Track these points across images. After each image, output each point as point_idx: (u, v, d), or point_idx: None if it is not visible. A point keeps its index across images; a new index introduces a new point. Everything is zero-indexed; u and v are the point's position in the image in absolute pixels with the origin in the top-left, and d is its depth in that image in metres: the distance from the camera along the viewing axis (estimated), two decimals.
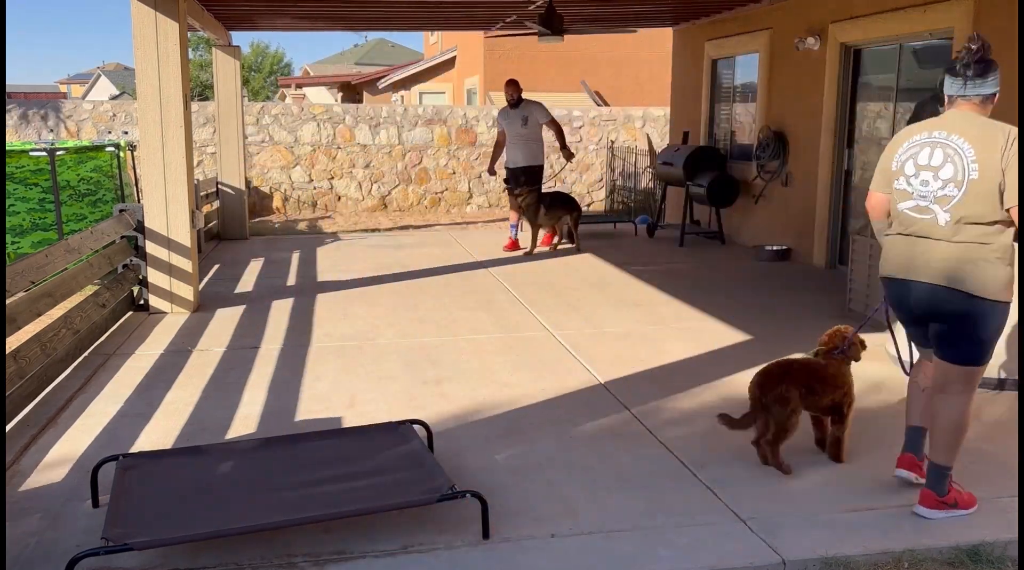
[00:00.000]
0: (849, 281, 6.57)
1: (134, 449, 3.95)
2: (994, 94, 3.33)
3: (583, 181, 15.03)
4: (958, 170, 3.17)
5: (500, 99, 19.29)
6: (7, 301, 4.37)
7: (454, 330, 6.14)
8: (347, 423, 4.30)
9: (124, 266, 6.64)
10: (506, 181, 9.89)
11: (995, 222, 3.13)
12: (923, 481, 3.37)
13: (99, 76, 52.74)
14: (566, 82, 20.19)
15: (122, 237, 6.58)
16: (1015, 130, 3.19)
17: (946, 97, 3.34)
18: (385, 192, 14.53)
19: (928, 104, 6.91)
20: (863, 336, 3.86)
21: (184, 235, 6.67)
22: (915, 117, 6.76)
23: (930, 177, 3.25)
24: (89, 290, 6.28)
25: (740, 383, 4.95)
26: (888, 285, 3.45)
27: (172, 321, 6.40)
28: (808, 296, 7.30)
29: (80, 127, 13.37)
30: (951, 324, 3.24)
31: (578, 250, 9.57)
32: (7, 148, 9.00)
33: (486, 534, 3.12)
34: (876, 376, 5.05)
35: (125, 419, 4.41)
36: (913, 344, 3.61)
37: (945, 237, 3.19)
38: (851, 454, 3.90)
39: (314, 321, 6.41)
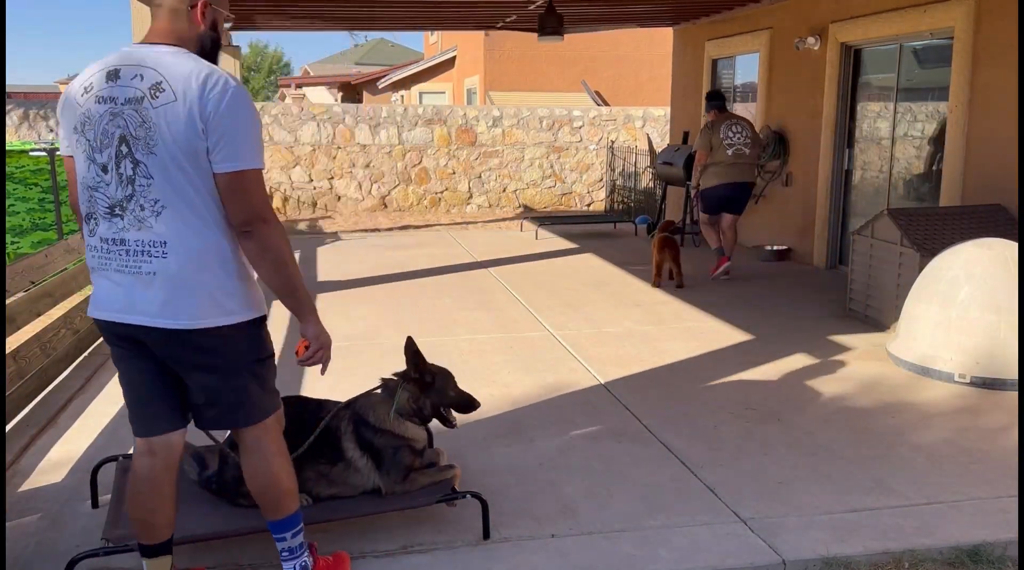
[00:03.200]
0: (849, 281, 6.57)
1: (134, 449, 3.94)
2: None
3: (583, 181, 15.03)
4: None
5: (500, 99, 19.33)
6: (7, 301, 4.37)
7: (454, 330, 6.14)
8: None
9: None
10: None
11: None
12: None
13: None
14: (566, 82, 20.19)
15: None
16: None
17: None
18: (385, 192, 14.53)
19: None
20: None
21: None
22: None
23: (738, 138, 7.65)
24: (89, 290, 6.28)
25: (740, 383, 4.95)
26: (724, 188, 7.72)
27: None
28: (808, 296, 7.30)
29: None
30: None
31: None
32: (7, 148, 9.00)
33: (486, 534, 3.11)
34: (874, 375, 5.05)
35: (125, 419, 4.37)
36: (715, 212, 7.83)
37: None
38: (850, 454, 3.90)
39: None
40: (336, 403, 3.30)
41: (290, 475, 2.67)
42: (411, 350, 3.26)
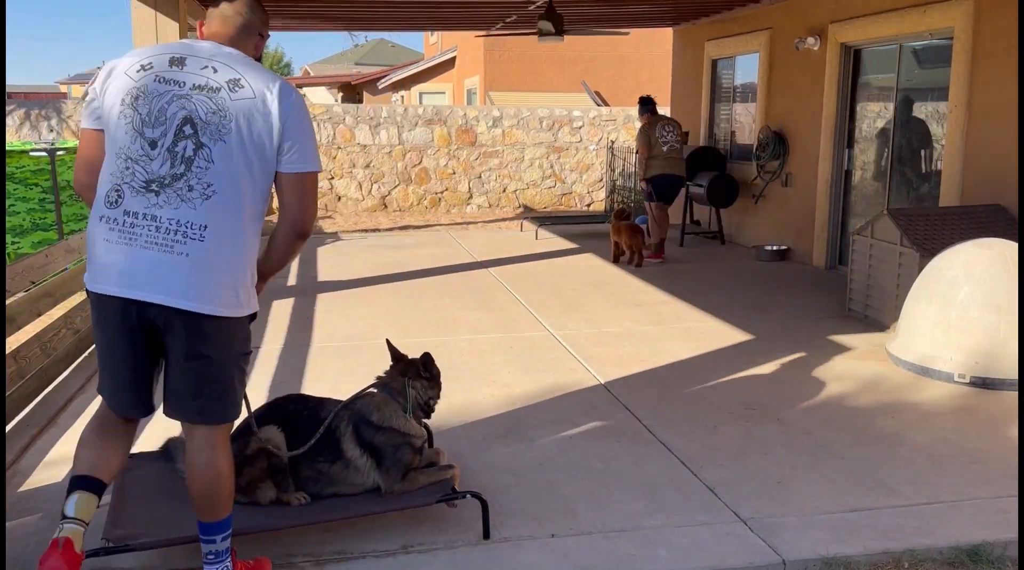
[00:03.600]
0: (849, 281, 6.57)
1: (134, 450, 3.94)
2: None
3: (583, 181, 15.02)
4: None
5: (500, 99, 19.33)
6: (7, 301, 4.37)
7: (454, 330, 6.14)
8: None
9: None
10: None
11: None
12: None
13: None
14: (566, 82, 20.19)
15: None
16: None
17: None
18: (385, 192, 14.54)
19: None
20: None
21: None
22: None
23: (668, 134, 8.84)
24: None
25: (740, 383, 4.95)
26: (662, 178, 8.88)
27: None
28: (808, 296, 7.30)
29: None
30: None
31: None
32: (7, 148, 9.00)
33: (486, 534, 3.12)
34: (874, 375, 5.05)
35: None
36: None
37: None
38: (850, 454, 3.90)
39: (314, 321, 6.41)
40: (337, 402, 3.31)
41: (232, 478, 2.67)
42: (423, 359, 3.43)
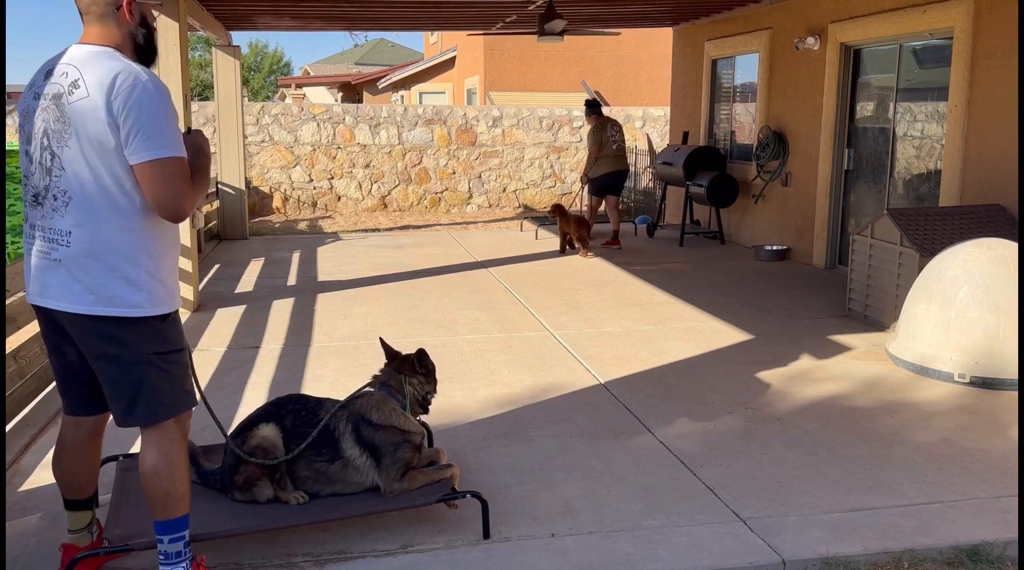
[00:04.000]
0: (849, 281, 6.57)
1: (134, 449, 3.95)
2: None
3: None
4: None
5: (500, 99, 19.33)
6: (7, 301, 4.37)
7: (454, 330, 6.14)
8: None
9: None
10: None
11: None
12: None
13: None
14: (566, 82, 20.19)
15: None
16: None
17: None
18: (385, 192, 14.54)
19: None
20: None
21: (184, 235, 6.68)
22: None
23: (616, 134, 9.76)
24: None
25: (740, 382, 4.95)
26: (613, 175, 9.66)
27: None
28: (807, 296, 7.30)
29: None
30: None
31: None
32: (7, 148, 8.99)
33: (486, 534, 3.12)
34: (874, 375, 5.06)
35: None
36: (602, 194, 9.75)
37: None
38: (850, 454, 3.90)
39: (314, 321, 6.41)
40: (336, 401, 3.31)
41: (184, 479, 2.66)
42: (418, 355, 3.44)
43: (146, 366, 2.56)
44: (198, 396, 2.78)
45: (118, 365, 2.55)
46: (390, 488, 3.19)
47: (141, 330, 2.55)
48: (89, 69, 2.46)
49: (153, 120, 2.44)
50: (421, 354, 3.43)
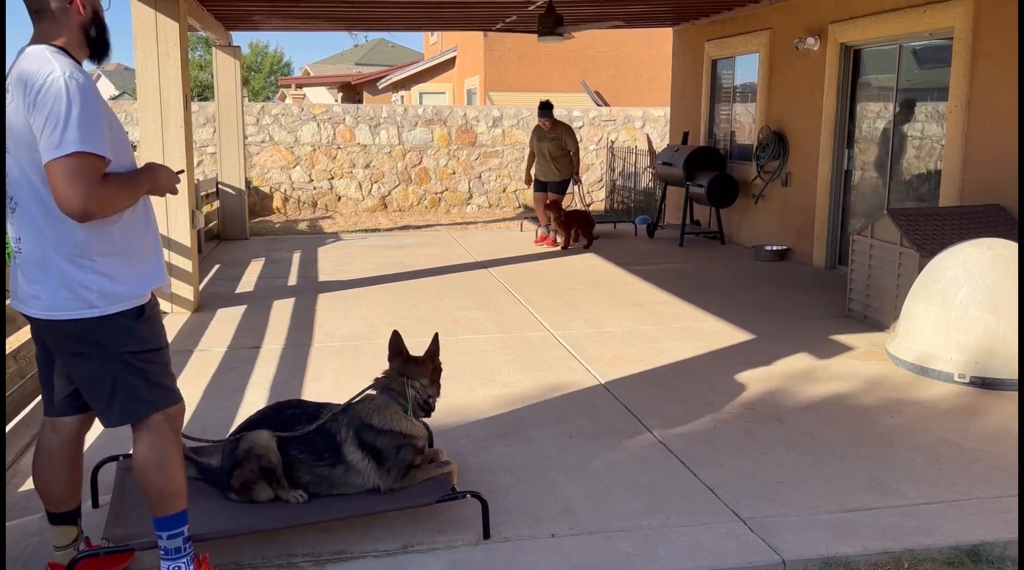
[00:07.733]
0: (849, 281, 6.57)
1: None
2: None
3: (584, 181, 15.02)
4: None
5: (500, 99, 19.33)
6: (7, 301, 4.37)
7: (454, 330, 6.14)
8: None
9: None
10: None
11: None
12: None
13: (99, 76, 52.62)
14: (566, 82, 20.18)
15: None
16: None
17: None
18: (385, 192, 14.54)
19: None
20: None
21: (184, 235, 6.68)
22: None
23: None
24: None
25: (740, 382, 4.95)
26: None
27: (173, 321, 6.40)
28: (808, 296, 7.30)
29: None
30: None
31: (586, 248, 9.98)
32: None
33: (486, 534, 3.12)
34: (874, 375, 5.06)
35: None
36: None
37: None
38: (850, 454, 3.90)
39: (315, 321, 6.41)
40: (336, 406, 3.31)
41: (178, 475, 2.65)
42: (429, 351, 3.49)
43: (118, 364, 2.54)
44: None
45: (90, 363, 2.54)
46: (389, 487, 3.19)
47: (108, 328, 2.51)
48: (15, 73, 2.42)
49: (61, 118, 2.32)
50: (433, 356, 3.47)
